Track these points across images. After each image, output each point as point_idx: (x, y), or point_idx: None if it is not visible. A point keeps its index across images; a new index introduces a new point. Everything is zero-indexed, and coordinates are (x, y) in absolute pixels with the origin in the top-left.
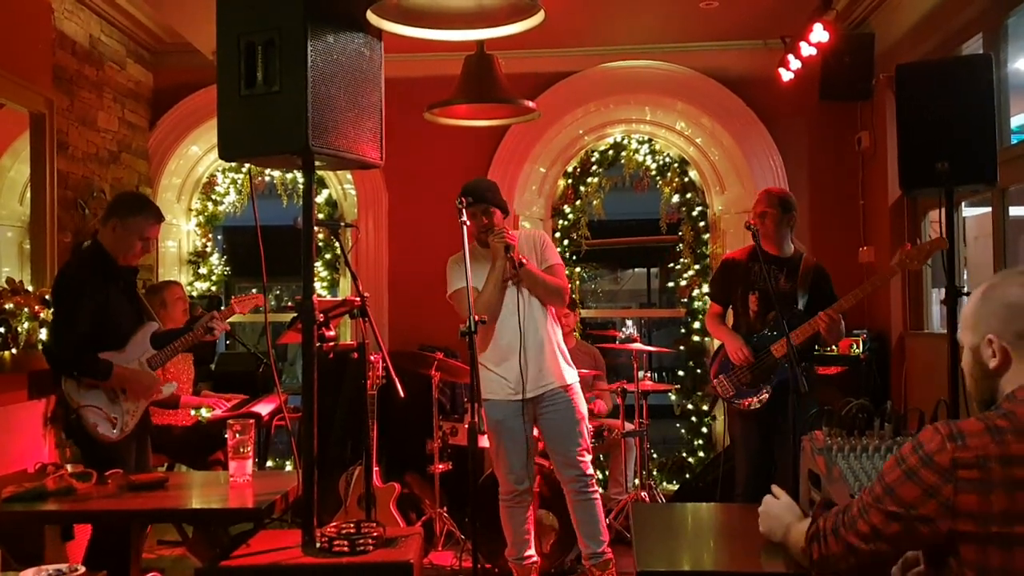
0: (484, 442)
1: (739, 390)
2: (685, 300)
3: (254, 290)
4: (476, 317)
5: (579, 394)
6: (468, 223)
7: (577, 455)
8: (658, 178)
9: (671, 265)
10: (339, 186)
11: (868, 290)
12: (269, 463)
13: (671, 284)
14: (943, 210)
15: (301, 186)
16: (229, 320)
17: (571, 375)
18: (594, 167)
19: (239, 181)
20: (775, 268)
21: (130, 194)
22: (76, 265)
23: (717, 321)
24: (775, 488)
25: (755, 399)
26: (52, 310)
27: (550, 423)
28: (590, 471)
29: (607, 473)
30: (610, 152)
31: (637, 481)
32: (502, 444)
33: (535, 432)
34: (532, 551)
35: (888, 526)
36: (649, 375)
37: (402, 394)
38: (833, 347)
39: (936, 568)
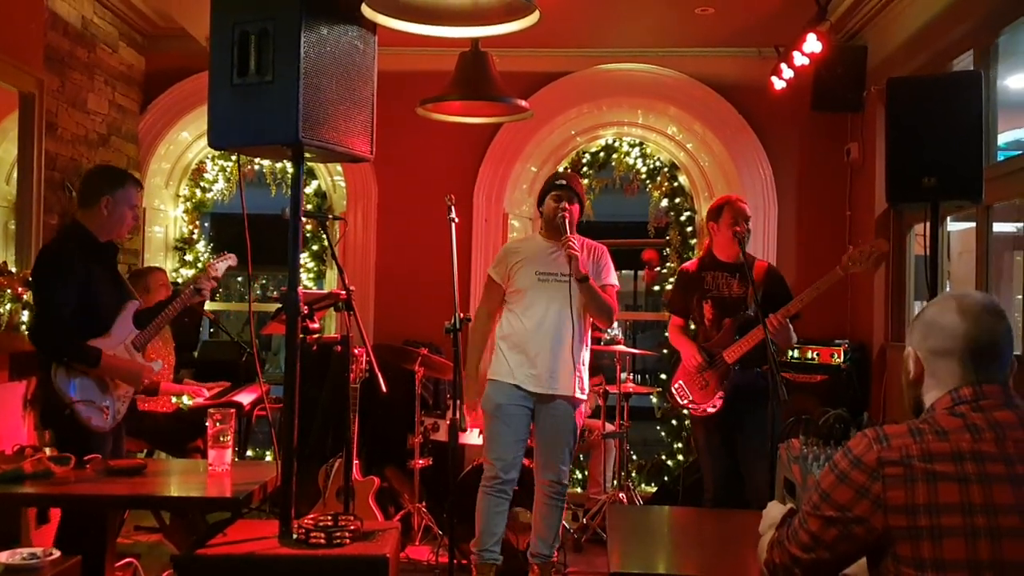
0: (465, 439)
1: (695, 396)
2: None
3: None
4: (462, 315)
5: (583, 415)
6: (456, 219)
7: (562, 463)
8: (648, 182)
9: (657, 269)
10: (328, 178)
11: (813, 294)
12: (249, 453)
13: (657, 288)
14: (928, 224)
15: (290, 176)
16: (212, 309)
17: (582, 396)
18: (585, 168)
19: (228, 169)
20: (727, 274)
21: (104, 169)
22: (57, 245)
23: (676, 332)
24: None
25: (708, 404)
26: (33, 293)
27: (547, 425)
28: (566, 481)
29: (586, 473)
30: (601, 154)
31: (616, 482)
32: (498, 428)
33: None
34: (498, 549)
35: (826, 531)
36: (632, 377)
37: (384, 389)
38: (815, 355)
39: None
